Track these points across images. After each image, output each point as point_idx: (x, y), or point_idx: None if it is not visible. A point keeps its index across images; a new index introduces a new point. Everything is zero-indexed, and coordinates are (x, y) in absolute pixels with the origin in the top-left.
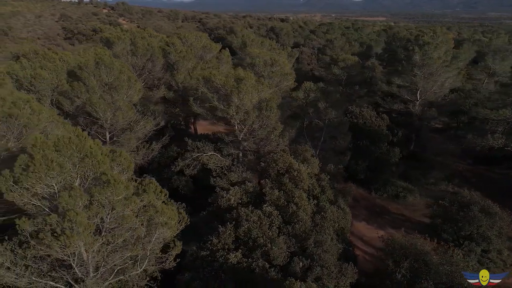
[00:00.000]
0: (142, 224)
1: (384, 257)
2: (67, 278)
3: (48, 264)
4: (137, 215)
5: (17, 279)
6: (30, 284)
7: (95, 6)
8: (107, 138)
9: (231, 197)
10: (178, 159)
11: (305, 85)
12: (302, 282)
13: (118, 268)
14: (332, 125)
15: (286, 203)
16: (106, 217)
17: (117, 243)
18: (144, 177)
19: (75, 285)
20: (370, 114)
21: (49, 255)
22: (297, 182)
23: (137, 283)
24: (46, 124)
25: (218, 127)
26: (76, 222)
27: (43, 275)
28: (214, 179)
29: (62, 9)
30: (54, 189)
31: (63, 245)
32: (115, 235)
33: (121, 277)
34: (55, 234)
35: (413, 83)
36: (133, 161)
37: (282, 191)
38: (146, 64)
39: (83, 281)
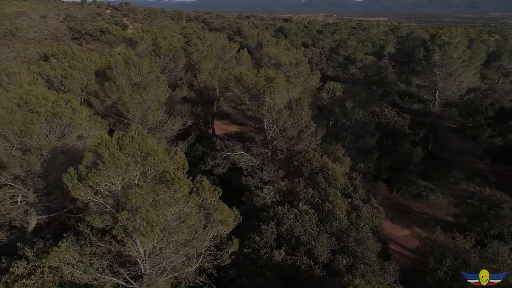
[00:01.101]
0: (200, 221)
1: (420, 255)
2: (124, 275)
3: (107, 261)
4: (196, 212)
5: (84, 275)
6: (95, 280)
7: (98, 7)
8: None
9: (266, 195)
10: (208, 158)
11: (329, 85)
12: (361, 279)
13: (172, 265)
14: (358, 124)
15: (320, 202)
16: (169, 214)
17: (177, 241)
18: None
19: (132, 282)
20: (391, 113)
21: (109, 252)
22: (331, 181)
23: (192, 280)
24: (86, 123)
25: (232, 127)
26: (148, 219)
27: (105, 271)
28: (246, 178)
29: (65, 10)
30: (118, 187)
31: (134, 242)
32: (178, 232)
33: (176, 274)
34: (128, 231)
35: (432, 82)
36: None
37: (316, 190)
38: (168, 64)
39: (140, 277)
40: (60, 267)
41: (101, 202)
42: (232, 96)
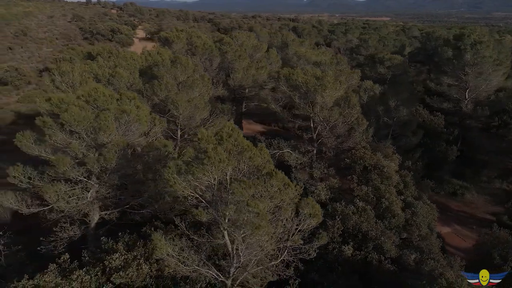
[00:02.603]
0: (291, 215)
1: (480, 251)
2: (212, 268)
3: (200, 254)
4: (288, 206)
5: (184, 267)
6: (194, 272)
7: (103, 7)
8: (178, 135)
9: (321, 192)
10: None
11: (366, 84)
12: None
13: (258, 257)
14: (400, 123)
15: (375, 199)
16: (266, 208)
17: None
18: None
19: (220, 274)
20: (425, 112)
21: (200, 245)
22: (384, 178)
23: (277, 273)
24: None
25: (256, 126)
26: (258, 212)
27: (201, 264)
28: (296, 175)
29: (71, 10)
30: (215, 181)
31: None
32: (276, 225)
33: (261, 267)
34: (237, 224)
35: (462, 81)
36: None
37: (369, 187)
38: (204, 63)
39: (228, 271)
40: (161, 259)
41: (197, 196)
42: (264, 95)
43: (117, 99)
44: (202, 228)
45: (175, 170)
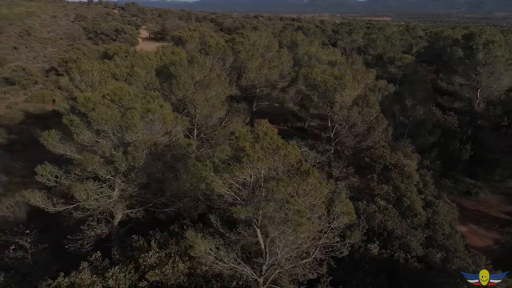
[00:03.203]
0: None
1: (503, 250)
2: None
3: (234, 251)
4: (323, 204)
5: (220, 264)
6: (229, 270)
7: (105, 7)
8: (195, 135)
9: (342, 191)
10: None
11: (380, 83)
12: None
13: (289, 255)
14: (416, 122)
15: (396, 198)
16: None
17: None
18: None
19: (252, 272)
20: (438, 112)
21: (237, 243)
22: (405, 177)
23: (310, 271)
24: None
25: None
26: (299, 209)
27: (237, 261)
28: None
29: (73, 10)
30: (251, 179)
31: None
32: (312, 223)
33: (293, 265)
34: (277, 222)
35: (473, 81)
36: None
37: (390, 186)
38: (217, 63)
39: (260, 269)
40: (197, 257)
41: (233, 194)
42: (275, 95)
43: (142, 98)
44: (236, 226)
45: (212, 168)
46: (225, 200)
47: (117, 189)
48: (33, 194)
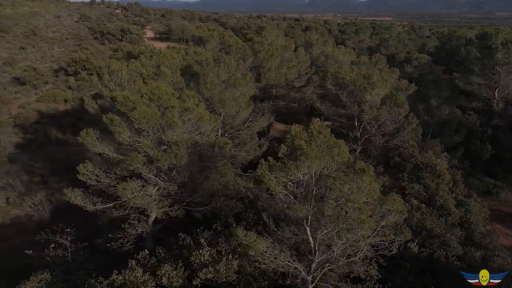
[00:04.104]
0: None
1: None
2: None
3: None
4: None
5: (274, 261)
6: (282, 267)
7: (107, 7)
8: (219, 134)
9: None
10: None
11: (401, 83)
12: None
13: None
14: (440, 122)
15: (427, 197)
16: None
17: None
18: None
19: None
20: (458, 111)
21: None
22: (436, 176)
23: (359, 269)
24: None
25: (278, 125)
26: (360, 207)
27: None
28: None
29: (76, 10)
30: (305, 177)
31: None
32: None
33: (342, 263)
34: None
35: (491, 80)
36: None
37: (421, 185)
38: (237, 62)
39: (309, 267)
40: (250, 255)
41: (286, 192)
42: (292, 95)
43: (178, 97)
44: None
45: (267, 167)
46: (278, 198)
47: (156, 188)
48: (74, 193)
